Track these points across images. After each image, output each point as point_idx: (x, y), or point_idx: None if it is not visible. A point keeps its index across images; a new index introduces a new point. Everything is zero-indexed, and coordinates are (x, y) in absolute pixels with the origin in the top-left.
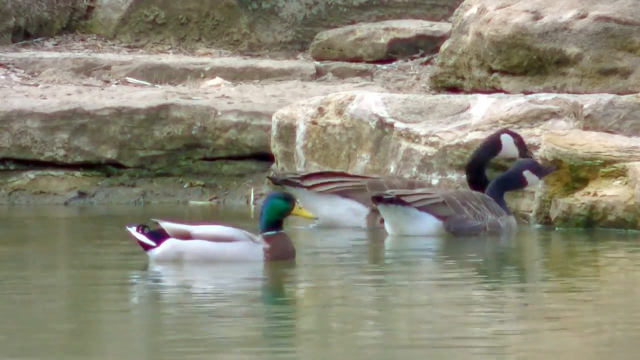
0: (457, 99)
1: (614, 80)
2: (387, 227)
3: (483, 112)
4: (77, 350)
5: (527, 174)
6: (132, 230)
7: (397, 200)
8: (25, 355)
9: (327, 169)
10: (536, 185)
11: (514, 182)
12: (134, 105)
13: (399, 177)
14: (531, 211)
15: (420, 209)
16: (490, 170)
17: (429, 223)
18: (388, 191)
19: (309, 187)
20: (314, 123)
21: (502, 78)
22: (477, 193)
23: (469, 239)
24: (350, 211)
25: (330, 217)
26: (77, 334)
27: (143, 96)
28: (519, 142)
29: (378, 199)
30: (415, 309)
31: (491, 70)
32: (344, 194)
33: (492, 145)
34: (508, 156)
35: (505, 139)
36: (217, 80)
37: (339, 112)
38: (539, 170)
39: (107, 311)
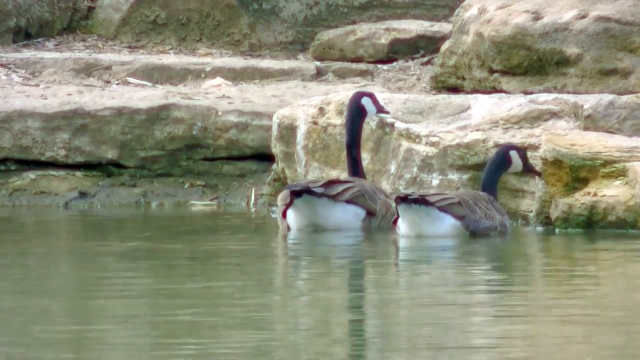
0: (457, 99)
1: (614, 80)
2: (404, 227)
3: (483, 113)
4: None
5: (513, 154)
6: None
7: (422, 201)
8: None
9: (327, 169)
10: (517, 170)
11: (500, 163)
12: (134, 106)
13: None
14: (531, 211)
15: (440, 209)
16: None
17: (447, 223)
18: (409, 191)
19: None
20: (315, 123)
21: (503, 78)
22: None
23: (485, 238)
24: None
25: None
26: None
27: (144, 96)
28: (523, 155)
29: (402, 199)
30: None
31: (492, 71)
32: None
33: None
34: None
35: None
36: (218, 80)
37: (340, 112)
38: (524, 158)
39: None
